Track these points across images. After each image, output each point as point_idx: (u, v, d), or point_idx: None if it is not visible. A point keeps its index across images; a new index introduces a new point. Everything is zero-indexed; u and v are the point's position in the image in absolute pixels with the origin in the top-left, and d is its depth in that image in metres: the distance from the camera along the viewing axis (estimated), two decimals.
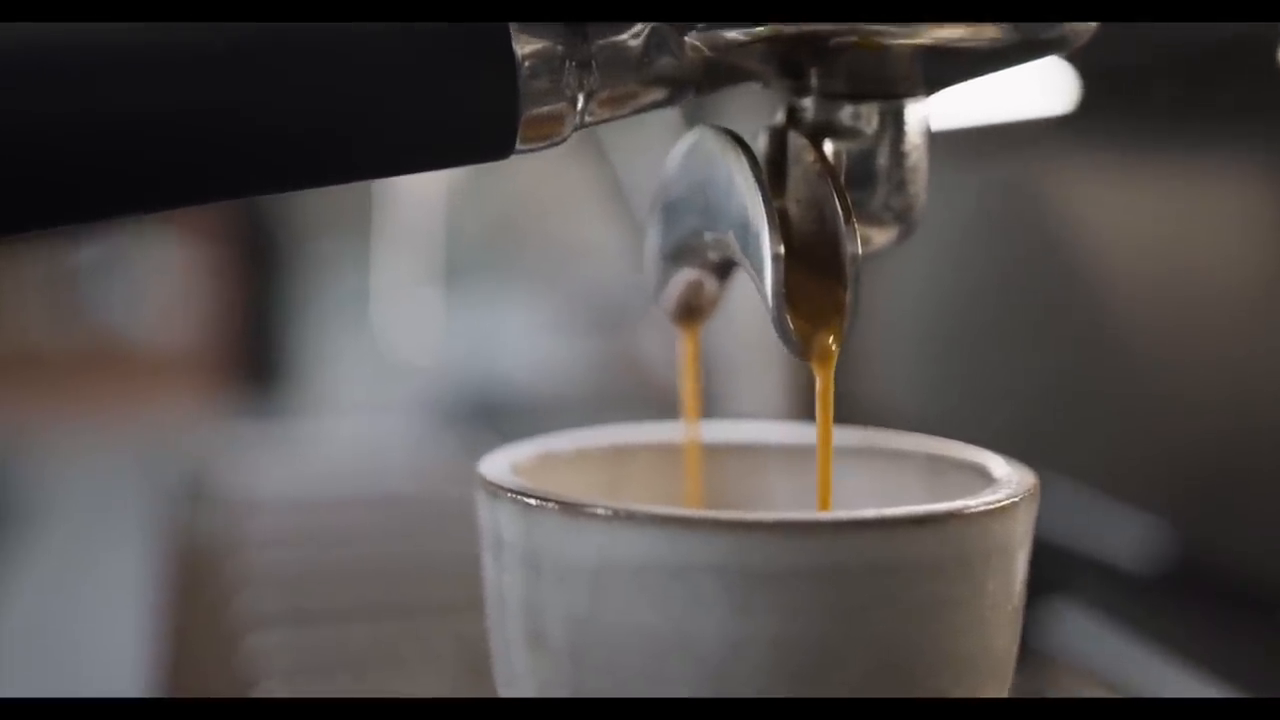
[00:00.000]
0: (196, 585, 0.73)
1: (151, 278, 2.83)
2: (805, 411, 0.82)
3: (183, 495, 0.92)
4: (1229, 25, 0.51)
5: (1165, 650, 0.56)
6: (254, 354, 2.57)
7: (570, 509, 0.33)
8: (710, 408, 0.88)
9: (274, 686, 0.54)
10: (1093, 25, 0.34)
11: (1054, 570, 0.38)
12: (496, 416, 1.20)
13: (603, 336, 1.40)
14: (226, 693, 0.55)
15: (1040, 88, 0.63)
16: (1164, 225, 0.62)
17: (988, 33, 0.33)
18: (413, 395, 1.45)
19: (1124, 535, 0.63)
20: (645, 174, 0.97)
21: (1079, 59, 0.51)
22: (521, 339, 1.51)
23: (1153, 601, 0.61)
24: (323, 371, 2.20)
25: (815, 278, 0.34)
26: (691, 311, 0.40)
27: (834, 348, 0.34)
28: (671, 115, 0.41)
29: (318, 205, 2.18)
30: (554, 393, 1.36)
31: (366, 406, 1.72)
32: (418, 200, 1.63)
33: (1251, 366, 0.57)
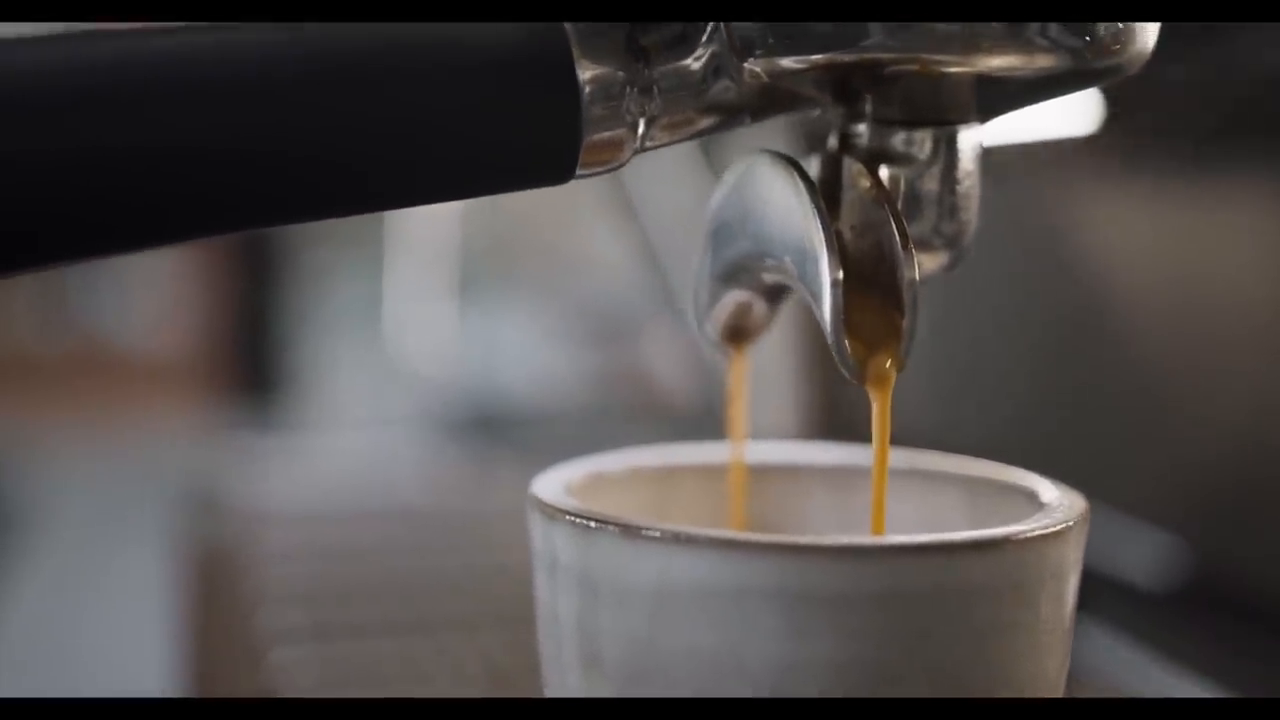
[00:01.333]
0: (212, 598, 0.73)
1: (143, 284, 2.82)
2: (814, 429, 0.82)
3: (184, 506, 0.92)
4: (1257, 51, 0.51)
5: (1182, 666, 0.56)
6: (250, 363, 2.57)
7: (630, 531, 0.33)
8: (720, 415, 0.88)
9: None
10: (1148, 53, 0.34)
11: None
12: (506, 428, 1.20)
13: (612, 349, 1.41)
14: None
15: (1064, 109, 0.63)
16: (1182, 245, 0.62)
17: (1041, 61, 0.33)
18: (421, 407, 1.45)
19: (1141, 553, 0.63)
20: (655, 190, 0.97)
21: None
22: (532, 351, 1.51)
23: (1170, 618, 0.61)
24: (326, 382, 2.20)
25: (873, 303, 0.34)
26: (738, 333, 0.40)
27: (892, 372, 0.34)
28: None
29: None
30: (562, 404, 1.36)
31: (372, 418, 1.72)
32: (431, 212, 1.64)
33: (1268, 387, 0.58)
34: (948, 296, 0.70)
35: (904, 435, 0.44)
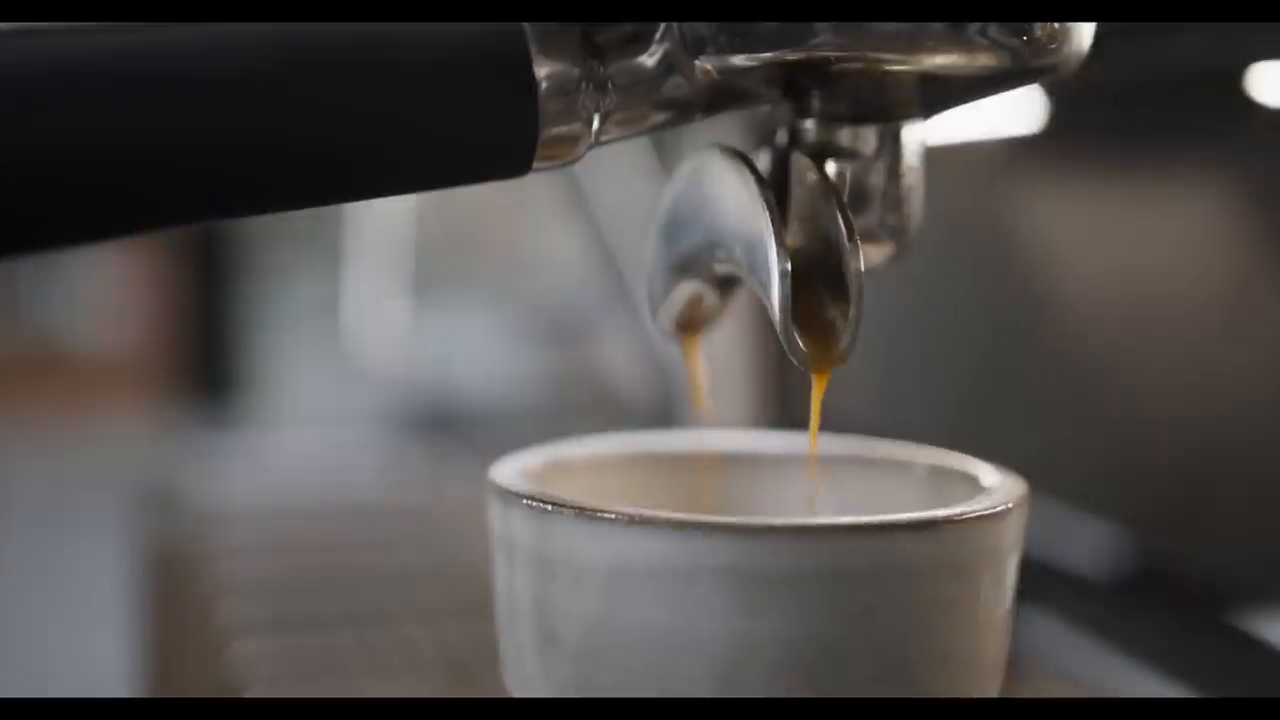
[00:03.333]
0: (172, 595, 0.73)
1: (97, 284, 2.81)
2: (769, 420, 0.83)
3: (141, 504, 0.92)
4: (1199, 53, 0.53)
5: (1126, 652, 0.57)
6: (206, 361, 2.56)
7: (585, 514, 0.34)
8: (674, 412, 0.89)
9: (260, 694, 0.54)
10: (1084, 52, 0.35)
11: (1021, 577, 0.40)
12: (462, 426, 1.20)
13: (567, 347, 1.42)
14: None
15: (1011, 109, 0.64)
16: (1129, 244, 0.63)
17: (982, 60, 0.34)
18: (377, 405, 1.46)
19: (1087, 544, 0.64)
20: (609, 188, 0.98)
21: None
22: (488, 349, 1.52)
23: (1114, 606, 0.62)
24: (282, 380, 2.19)
25: (820, 293, 0.35)
26: (691, 324, 0.41)
27: (839, 359, 0.35)
28: None
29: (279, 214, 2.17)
30: (518, 402, 1.37)
31: (329, 416, 1.72)
32: (386, 210, 1.64)
33: (1209, 384, 0.59)
34: (896, 290, 0.71)
35: (854, 425, 0.45)
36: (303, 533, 0.80)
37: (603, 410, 1.26)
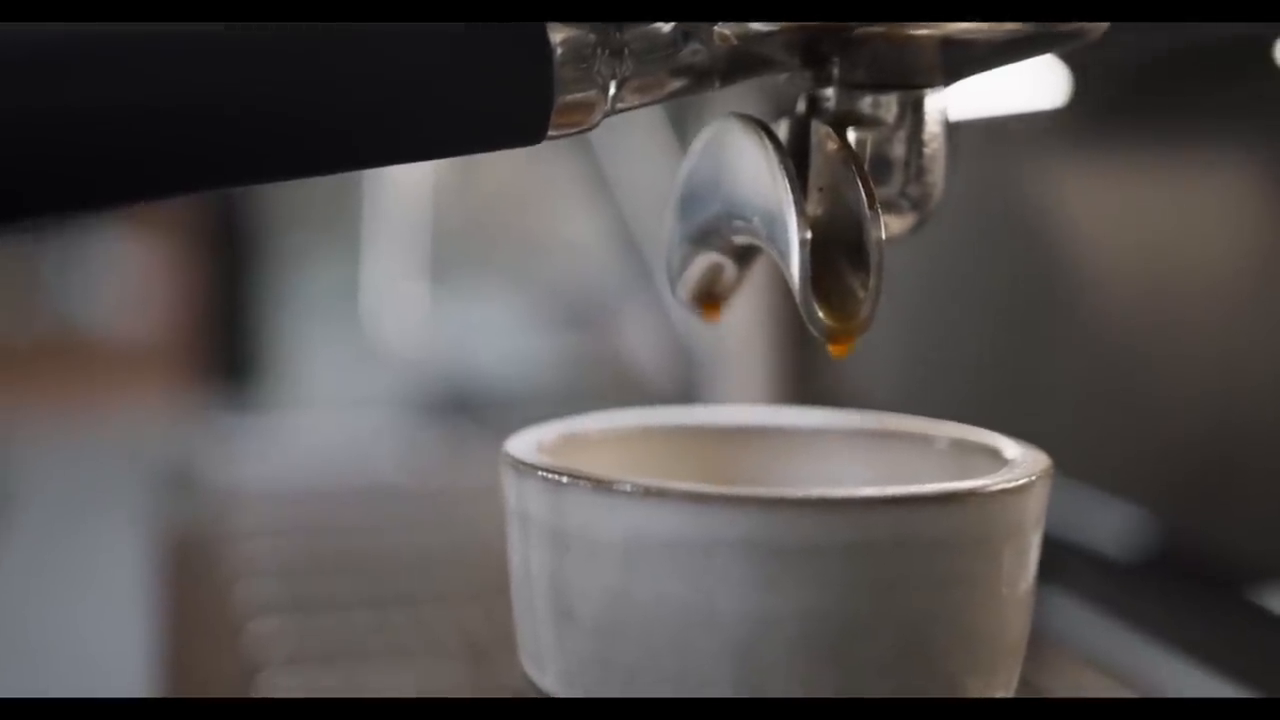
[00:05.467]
0: (190, 577, 0.73)
1: (117, 269, 2.81)
2: (788, 397, 0.82)
3: (163, 487, 0.92)
4: (1225, 24, 0.52)
5: (1149, 633, 0.57)
6: (226, 346, 2.56)
7: (601, 485, 0.34)
8: (696, 394, 0.89)
9: (276, 675, 0.54)
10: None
11: (1044, 558, 0.40)
12: (481, 409, 1.20)
13: (587, 330, 1.41)
14: (229, 683, 0.56)
15: (1032, 83, 0.63)
16: (1153, 220, 0.63)
17: (1007, 24, 0.33)
18: (397, 388, 1.45)
19: (1111, 525, 0.64)
20: (630, 171, 0.98)
21: (1072, 55, 0.52)
22: (507, 332, 1.51)
23: (1138, 587, 0.62)
24: (302, 364, 2.19)
25: (840, 263, 0.34)
26: (710, 297, 0.40)
27: (859, 330, 0.34)
28: (656, 110, 0.42)
29: (295, 198, 2.17)
30: (537, 387, 1.37)
31: (348, 399, 1.72)
32: (405, 193, 1.64)
33: (1235, 362, 0.58)
34: (917, 266, 0.71)
35: (875, 402, 0.45)
36: (321, 515, 0.80)
37: (623, 394, 1.25)
